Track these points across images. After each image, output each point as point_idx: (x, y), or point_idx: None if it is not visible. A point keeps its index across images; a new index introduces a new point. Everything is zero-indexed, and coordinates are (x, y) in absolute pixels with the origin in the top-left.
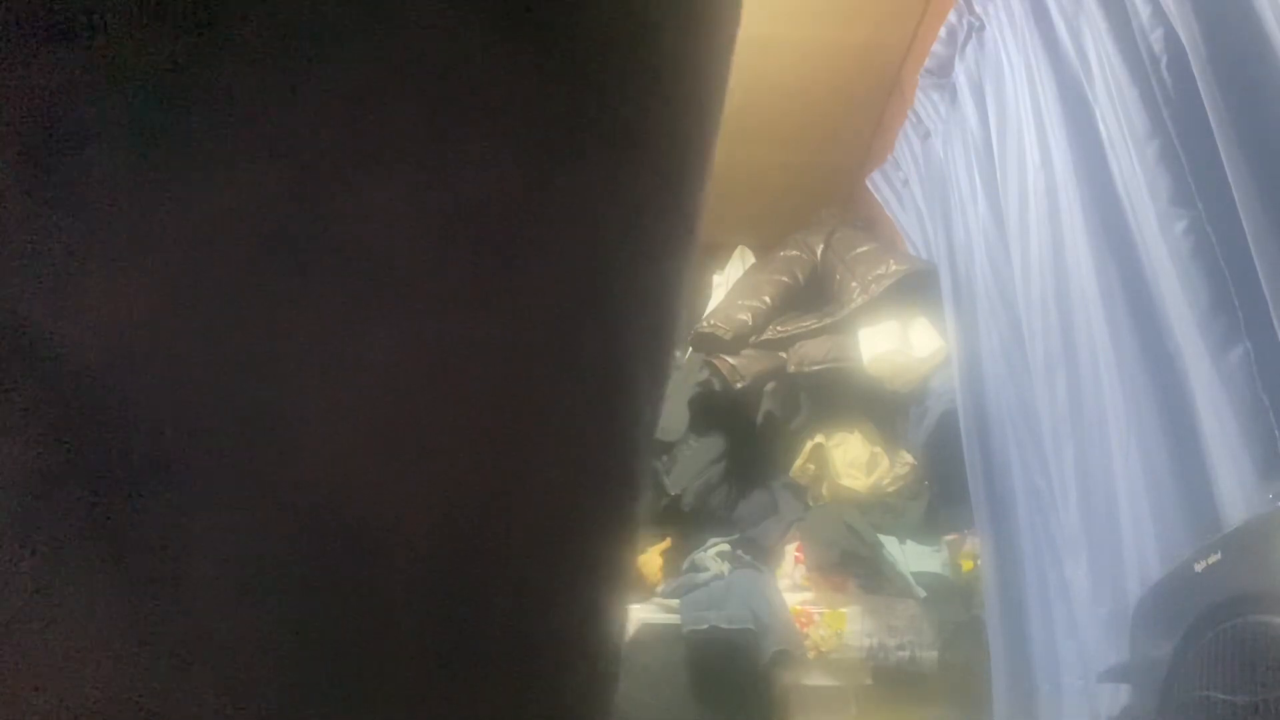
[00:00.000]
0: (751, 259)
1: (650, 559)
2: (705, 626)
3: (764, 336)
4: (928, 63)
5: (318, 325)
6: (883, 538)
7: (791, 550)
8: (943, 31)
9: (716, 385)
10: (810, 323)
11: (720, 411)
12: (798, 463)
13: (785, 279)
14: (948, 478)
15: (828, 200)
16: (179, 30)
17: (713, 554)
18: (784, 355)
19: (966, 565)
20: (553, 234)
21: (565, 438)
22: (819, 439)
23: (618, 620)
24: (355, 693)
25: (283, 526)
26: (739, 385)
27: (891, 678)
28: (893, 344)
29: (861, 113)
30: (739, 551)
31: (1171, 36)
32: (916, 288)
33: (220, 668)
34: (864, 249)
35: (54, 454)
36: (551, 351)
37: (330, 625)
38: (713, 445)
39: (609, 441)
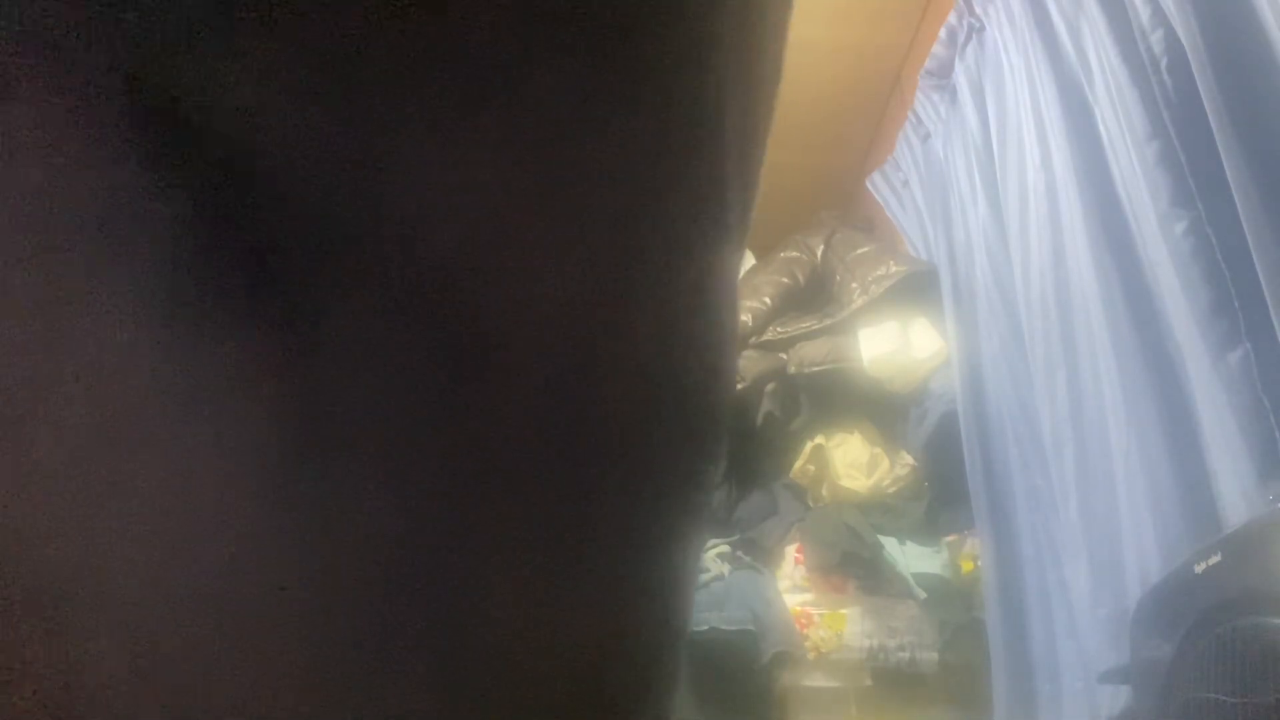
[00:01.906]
0: (751, 259)
1: None
2: (705, 627)
3: (764, 337)
4: (928, 64)
5: (432, 123)
6: (883, 539)
7: (791, 551)
8: (943, 33)
9: None
10: (810, 324)
11: None
12: (798, 464)
13: (785, 280)
14: (948, 479)
15: (828, 201)
16: None
17: (713, 555)
18: (784, 356)
19: (966, 566)
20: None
21: (660, 288)
22: (819, 440)
23: (696, 546)
24: (484, 490)
25: (410, 313)
26: (739, 386)
27: (891, 679)
28: (893, 345)
29: (861, 113)
30: (739, 552)
31: (1171, 37)
32: (917, 289)
33: (371, 453)
34: (864, 250)
35: (211, 230)
36: (651, 192)
37: (461, 419)
38: None
39: (692, 306)
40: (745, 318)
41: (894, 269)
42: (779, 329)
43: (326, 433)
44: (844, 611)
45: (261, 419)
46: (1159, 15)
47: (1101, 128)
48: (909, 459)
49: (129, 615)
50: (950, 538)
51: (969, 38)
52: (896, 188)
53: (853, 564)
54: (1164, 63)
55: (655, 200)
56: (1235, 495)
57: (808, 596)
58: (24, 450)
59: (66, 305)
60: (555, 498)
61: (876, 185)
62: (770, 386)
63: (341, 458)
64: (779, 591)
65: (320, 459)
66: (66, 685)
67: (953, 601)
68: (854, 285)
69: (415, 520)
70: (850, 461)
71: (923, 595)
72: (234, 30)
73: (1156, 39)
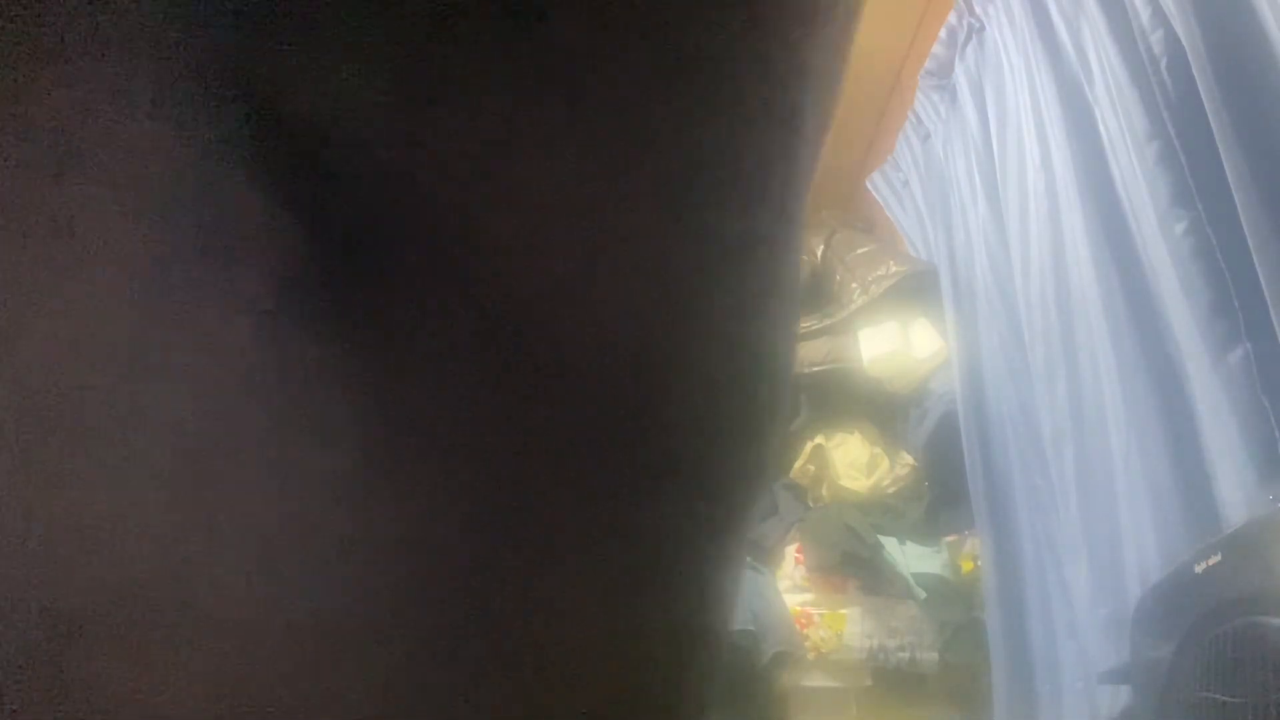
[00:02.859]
0: None
1: None
2: None
3: None
4: (928, 64)
5: (506, 134)
6: (883, 539)
7: (791, 551)
8: (943, 33)
9: None
10: (810, 324)
11: None
12: (798, 464)
13: None
14: (948, 479)
15: (828, 201)
16: None
17: None
18: None
19: (967, 566)
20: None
21: (729, 297)
22: (819, 440)
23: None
24: (552, 504)
25: (498, 333)
26: None
27: (892, 679)
28: (893, 345)
29: (861, 114)
30: None
31: (1171, 37)
32: (917, 288)
33: (448, 472)
34: (864, 250)
35: (300, 230)
36: (733, 203)
37: (534, 436)
38: None
39: (763, 326)
40: None
41: (894, 269)
42: None
43: (408, 451)
44: (844, 611)
45: (349, 432)
46: (1159, 15)
47: (1101, 128)
48: (909, 459)
49: (213, 629)
50: (950, 538)
51: (969, 38)
52: (896, 188)
53: (853, 564)
54: (1164, 63)
55: (738, 211)
56: (1235, 495)
57: (808, 596)
58: (117, 449)
59: (167, 303)
60: (621, 508)
61: (876, 185)
62: None
63: (421, 475)
64: (779, 591)
65: (401, 475)
66: (144, 708)
67: (953, 601)
68: (854, 285)
69: (486, 535)
70: (850, 461)
71: (923, 595)
72: (325, 20)
73: (1156, 39)
